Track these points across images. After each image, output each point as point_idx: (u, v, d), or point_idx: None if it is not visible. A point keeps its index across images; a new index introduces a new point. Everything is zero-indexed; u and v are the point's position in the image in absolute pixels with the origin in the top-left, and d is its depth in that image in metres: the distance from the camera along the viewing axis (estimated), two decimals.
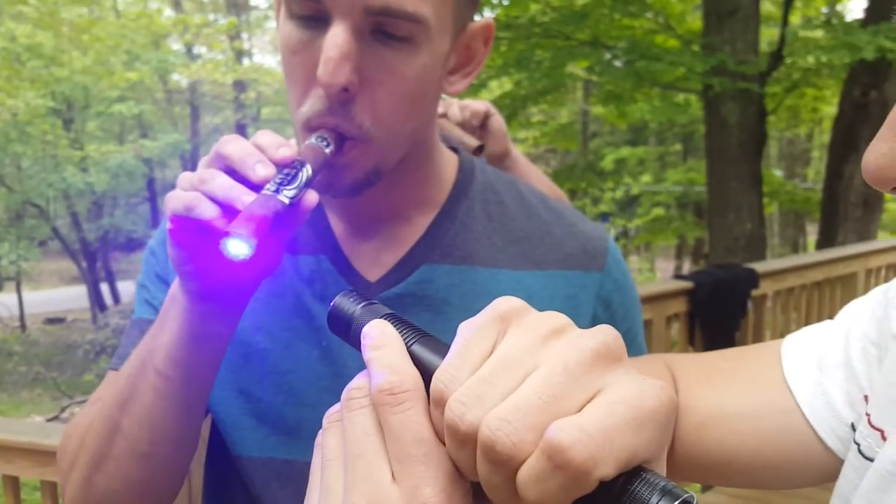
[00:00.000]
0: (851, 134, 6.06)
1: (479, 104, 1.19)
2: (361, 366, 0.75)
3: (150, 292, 0.79)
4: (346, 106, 0.63)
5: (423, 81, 0.65)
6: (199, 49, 16.45)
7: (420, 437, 0.32)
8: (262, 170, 0.55)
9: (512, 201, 0.80)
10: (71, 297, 15.50)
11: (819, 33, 6.19)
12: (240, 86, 16.03)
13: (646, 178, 14.94)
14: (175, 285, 0.64)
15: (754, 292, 3.56)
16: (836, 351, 0.55)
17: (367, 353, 0.36)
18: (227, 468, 0.77)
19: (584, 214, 0.85)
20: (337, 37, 0.60)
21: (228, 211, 0.54)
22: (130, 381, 0.67)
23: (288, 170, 0.56)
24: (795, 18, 8.81)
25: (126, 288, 14.74)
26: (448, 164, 0.80)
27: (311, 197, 0.57)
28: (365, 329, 0.38)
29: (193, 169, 0.60)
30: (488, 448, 0.29)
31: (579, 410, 0.29)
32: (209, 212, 0.54)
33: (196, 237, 0.57)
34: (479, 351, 0.33)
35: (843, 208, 6.23)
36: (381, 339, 0.37)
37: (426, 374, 0.34)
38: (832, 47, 4.99)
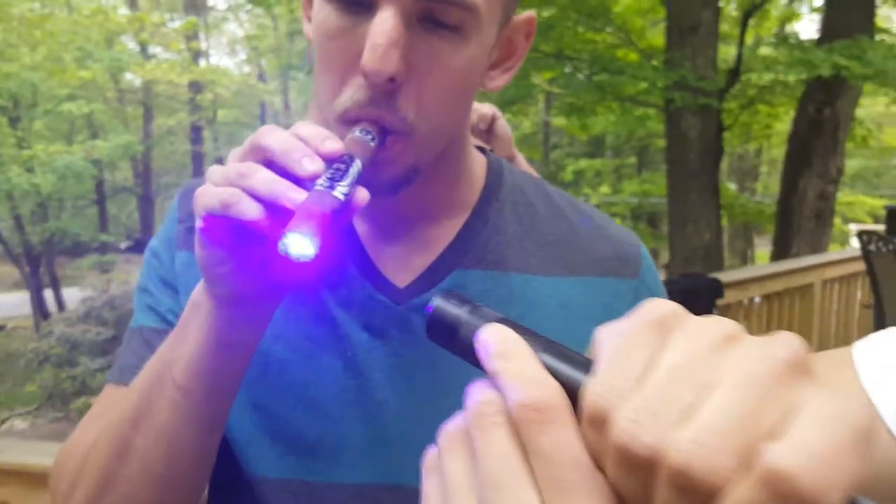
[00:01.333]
0: (805, 149, 6.24)
1: (486, 108, 1.16)
2: (390, 377, 0.71)
3: (154, 297, 0.73)
4: (390, 97, 0.58)
5: (470, 73, 0.62)
6: (155, 49, 16.08)
7: (577, 460, 0.28)
8: (309, 164, 0.50)
9: (540, 203, 0.77)
10: (12, 303, 14.88)
11: (772, 51, 6.37)
12: (196, 87, 15.71)
13: (604, 189, 15.17)
14: (198, 291, 0.58)
15: (719, 301, 3.62)
16: None
17: (493, 362, 0.31)
18: (238, 490, 0.71)
19: None
20: (385, 22, 0.56)
21: (273, 209, 0.50)
22: (144, 395, 0.61)
23: (338, 164, 0.51)
24: (748, 38, 9.06)
25: (71, 295, 14.22)
26: (477, 163, 0.76)
27: (363, 195, 0.52)
28: (483, 335, 0.33)
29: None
30: (680, 475, 0.25)
31: (780, 430, 0.25)
32: (251, 210, 0.49)
33: (233, 237, 0.52)
34: (638, 361, 0.28)
35: (797, 221, 6.41)
36: (506, 346, 0.32)
37: (567, 388, 0.30)
38: (790, 64, 5.13)
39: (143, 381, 0.62)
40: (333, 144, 0.52)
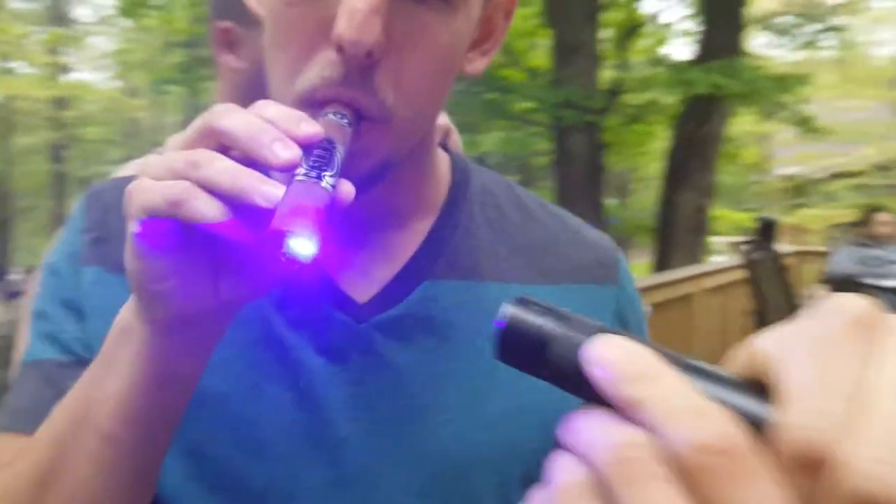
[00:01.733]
0: (682, 166, 6.61)
1: (441, 120, 1.09)
2: (350, 409, 0.60)
3: (55, 324, 0.60)
4: (367, 75, 0.49)
5: (455, 52, 0.54)
6: (15, 63, 14.90)
7: None
8: (283, 150, 0.40)
9: (509, 205, 0.70)
10: None
11: (650, 72, 6.73)
12: (59, 103, 14.65)
13: None
14: (128, 314, 0.47)
15: None
16: None
17: (628, 389, 0.23)
18: None
19: None
20: None
21: (237, 207, 0.39)
22: (55, 447, 0.48)
23: (318, 150, 0.42)
24: (622, 59, 9.55)
25: None
26: (442, 160, 0.68)
27: (348, 188, 0.42)
28: (595, 352, 0.24)
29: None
30: None
31: None
32: (210, 209, 0.39)
33: (180, 243, 0.41)
34: (848, 378, 0.21)
35: (676, 234, 6.78)
36: (642, 365, 0.23)
37: (743, 420, 0.22)
38: (669, 84, 5.43)
39: (55, 429, 0.49)
40: (310, 127, 0.42)
